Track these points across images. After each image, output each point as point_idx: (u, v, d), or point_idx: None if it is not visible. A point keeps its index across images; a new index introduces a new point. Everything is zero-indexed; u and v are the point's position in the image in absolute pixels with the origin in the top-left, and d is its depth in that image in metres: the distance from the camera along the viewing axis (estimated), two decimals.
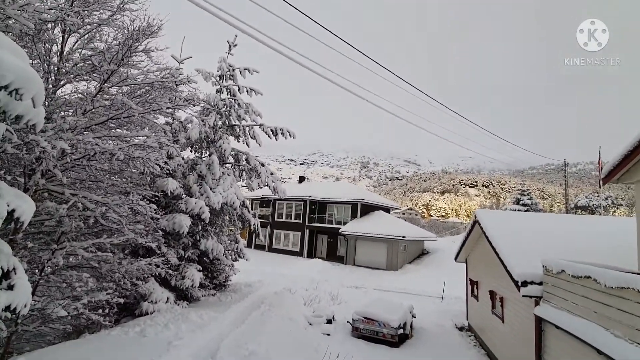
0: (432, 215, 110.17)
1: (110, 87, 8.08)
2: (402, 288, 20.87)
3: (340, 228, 29.84)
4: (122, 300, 8.67)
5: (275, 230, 34.74)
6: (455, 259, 15.10)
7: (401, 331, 11.21)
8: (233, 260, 15.08)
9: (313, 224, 32.49)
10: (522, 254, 7.76)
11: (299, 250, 32.73)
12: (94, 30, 7.49)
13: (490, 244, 9.20)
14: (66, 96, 7.92)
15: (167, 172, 11.25)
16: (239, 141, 14.64)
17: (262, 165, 14.59)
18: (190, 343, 7.95)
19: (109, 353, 7.15)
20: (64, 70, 7.32)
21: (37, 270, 7.05)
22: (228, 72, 14.14)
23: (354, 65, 10.41)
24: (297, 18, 8.75)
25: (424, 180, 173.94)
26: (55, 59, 7.24)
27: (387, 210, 36.07)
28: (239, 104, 14.20)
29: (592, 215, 43.67)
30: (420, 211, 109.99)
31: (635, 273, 4.87)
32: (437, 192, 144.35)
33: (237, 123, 14.38)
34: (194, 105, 11.65)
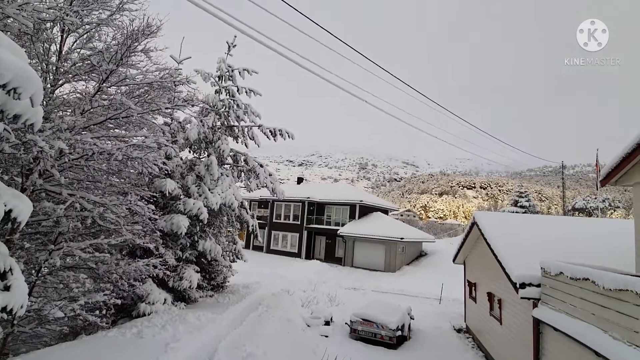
0: (430, 217, 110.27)
1: (109, 87, 8.06)
2: (400, 290, 20.87)
3: (338, 229, 29.83)
4: (119, 302, 8.63)
5: (273, 232, 34.69)
6: (454, 260, 15.11)
7: (399, 333, 11.20)
8: (231, 262, 15.05)
9: (311, 225, 32.46)
10: (520, 256, 7.77)
11: (297, 252, 32.69)
12: (93, 30, 7.47)
13: (489, 245, 9.21)
14: (64, 96, 7.88)
15: (166, 172, 11.21)
16: (237, 142, 14.62)
17: (261, 166, 14.58)
18: (188, 345, 7.91)
19: (106, 354, 7.10)
20: (62, 70, 7.30)
21: (33, 271, 7.00)
22: (227, 73, 14.13)
23: (353, 67, 10.42)
24: (296, 19, 8.75)
25: (422, 182, 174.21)
26: (53, 59, 7.21)
27: (385, 211, 36.09)
28: (237, 105, 14.19)
29: (590, 217, 43.84)
30: (418, 213, 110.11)
31: (633, 275, 4.88)
32: (435, 194, 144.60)
33: (236, 124, 14.37)
34: (192, 106, 11.64)
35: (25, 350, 7.45)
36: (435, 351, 11.21)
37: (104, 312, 8.35)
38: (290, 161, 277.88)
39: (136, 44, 7.62)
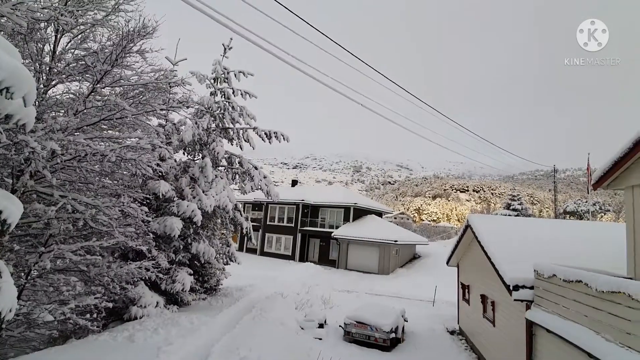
0: (423, 220, 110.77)
1: (103, 88, 7.99)
2: (394, 292, 20.89)
3: (332, 232, 29.82)
4: (110, 305, 8.52)
5: (267, 234, 34.55)
6: (447, 263, 15.17)
7: (393, 335, 11.21)
8: (224, 264, 14.96)
9: (305, 228, 32.40)
10: (513, 259, 7.83)
11: (291, 254, 32.58)
12: (88, 30, 7.41)
13: (483, 248, 9.27)
14: (57, 96, 7.80)
15: (159, 174, 11.13)
16: (232, 144, 14.58)
17: (256, 168, 14.54)
18: (180, 348, 7.82)
19: (97, 359, 6.99)
20: (55, 70, 7.22)
21: (23, 274, 6.89)
22: (223, 75, 14.10)
23: (348, 70, 10.46)
24: (290, 20, 8.77)
25: (416, 185, 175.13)
26: (47, 59, 7.14)
27: (379, 214, 36.17)
28: (233, 107, 14.16)
29: (580, 220, 44.39)
30: (412, 215, 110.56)
31: (625, 277, 4.95)
32: (429, 197, 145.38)
33: (231, 126, 14.33)
34: (187, 107, 11.58)
35: (13, 355, 7.29)
36: (428, 353, 11.23)
37: (94, 315, 8.23)
38: (285, 164, 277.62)
39: (131, 44, 7.57)
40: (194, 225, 12.17)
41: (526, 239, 9.55)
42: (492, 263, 8.24)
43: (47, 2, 6.44)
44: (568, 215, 49.16)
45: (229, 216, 14.01)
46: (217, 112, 13.96)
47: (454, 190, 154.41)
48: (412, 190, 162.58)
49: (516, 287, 6.90)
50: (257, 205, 35.97)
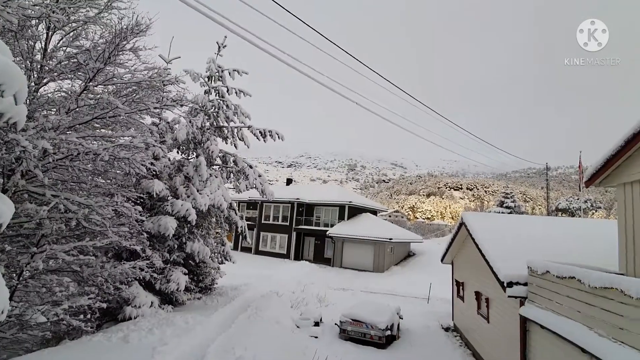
0: (417, 218, 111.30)
1: (96, 86, 7.89)
2: (389, 290, 21.00)
3: (327, 230, 29.86)
4: (104, 305, 8.44)
5: (262, 233, 34.49)
6: (442, 260, 15.28)
7: (388, 332, 11.27)
8: (219, 263, 14.90)
9: (300, 226, 32.40)
10: (507, 256, 7.90)
11: (286, 253, 32.58)
12: (80, 28, 7.31)
13: (477, 245, 9.34)
14: (49, 94, 7.69)
15: (153, 173, 11.04)
16: (227, 143, 14.51)
17: (250, 167, 14.49)
18: (176, 348, 7.77)
19: None
20: (47, 68, 7.12)
21: (15, 275, 6.79)
22: (217, 73, 14.02)
23: (344, 69, 10.45)
24: (286, 19, 8.74)
25: (410, 183, 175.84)
26: (38, 57, 7.03)
27: (374, 212, 36.29)
28: (227, 105, 14.08)
29: (572, 217, 44.94)
30: (406, 213, 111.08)
31: (617, 274, 5.02)
32: (423, 195, 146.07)
33: (226, 124, 14.25)
34: (181, 106, 11.50)
35: (6, 357, 7.20)
36: (424, 350, 11.31)
37: (88, 316, 8.14)
38: (280, 162, 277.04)
39: (124, 42, 7.48)
40: (189, 225, 12.10)
41: (519, 236, 9.65)
42: (486, 260, 8.31)
43: None
44: (560, 213, 49.77)
45: (224, 215, 13.95)
46: (212, 110, 13.88)
47: (447, 188, 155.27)
48: (406, 189, 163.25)
49: (510, 284, 6.97)
50: (251, 204, 35.88)
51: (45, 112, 7.37)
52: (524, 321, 6.85)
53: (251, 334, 9.30)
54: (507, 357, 7.93)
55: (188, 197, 11.86)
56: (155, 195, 10.80)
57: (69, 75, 7.48)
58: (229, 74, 14.17)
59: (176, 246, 12.02)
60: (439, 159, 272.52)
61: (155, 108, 9.49)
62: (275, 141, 14.41)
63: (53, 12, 6.12)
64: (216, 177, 13.19)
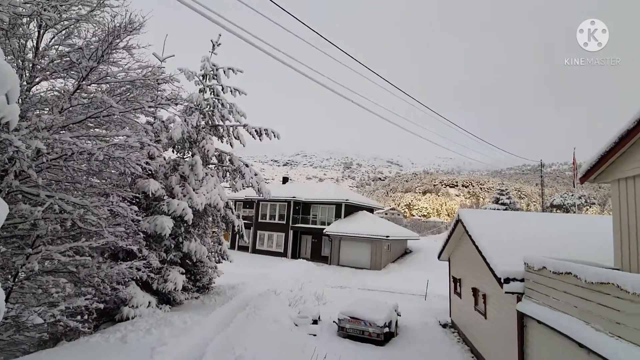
0: (414, 215, 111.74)
1: (89, 85, 7.81)
2: (386, 287, 21.07)
3: (324, 228, 29.88)
4: (101, 306, 8.38)
5: (259, 231, 34.44)
6: (439, 257, 15.35)
7: (387, 330, 11.31)
8: (216, 262, 14.85)
9: (297, 225, 32.39)
10: (504, 252, 7.95)
11: (283, 251, 32.57)
12: (72, 26, 7.21)
13: (473, 242, 9.39)
14: (42, 94, 7.60)
15: (149, 172, 10.97)
16: (222, 141, 14.43)
17: (246, 165, 14.43)
18: (174, 348, 7.74)
19: None
20: (39, 67, 7.03)
21: (10, 276, 6.71)
22: (211, 72, 13.92)
23: (340, 67, 10.43)
24: (281, 17, 8.69)
25: (406, 181, 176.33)
26: (30, 55, 6.94)
27: (371, 210, 36.36)
28: (222, 104, 14.00)
29: (567, 213, 45.34)
30: (402, 211, 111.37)
31: (613, 269, 5.07)
32: (419, 192, 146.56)
33: (221, 123, 14.18)
34: (176, 105, 11.41)
35: (3, 359, 7.15)
36: (422, 346, 11.37)
37: (85, 317, 8.09)
38: (275, 161, 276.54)
39: (118, 40, 7.40)
40: (185, 224, 12.05)
41: (514, 232, 9.71)
42: (483, 257, 8.35)
43: None
44: (555, 209, 50.19)
45: (221, 214, 13.89)
46: (207, 109, 13.79)
47: (443, 186, 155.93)
48: (402, 186, 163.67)
49: (507, 280, 7.02)
50: (248, 203, 35.80)
51: (38, 112, 7.28)
52: (521, 317, 6.90)
53: (250, 333, 9.28)
54: (504, 352, 7.99)
55: (184, 196, 11.79)
56: (151, 195, 10.74)
57: (62, 74, 7.39)
58: (224, 72, 14.08)
59: (173, 246, 11.97)
60: (434, 157, 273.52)
61: (149, 107, 9.42)
62: (271, 140, 14.36)
63: (44, 10, 6.04)
64: (212, 176, 13.12)
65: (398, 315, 13.22)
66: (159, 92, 10.58)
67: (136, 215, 8.65)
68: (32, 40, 6.95)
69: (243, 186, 14.29)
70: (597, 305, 4.51)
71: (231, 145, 14.45)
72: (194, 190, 12.10)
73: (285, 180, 41.98)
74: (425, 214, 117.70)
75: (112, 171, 8.34)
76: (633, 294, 3.81)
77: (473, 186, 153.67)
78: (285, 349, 9.17)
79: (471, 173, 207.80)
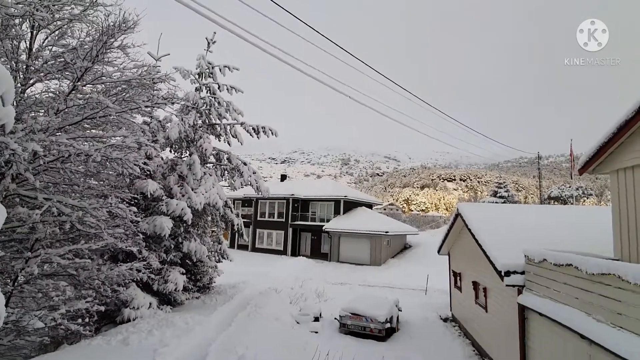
0: (412, 210, 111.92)
1: (85, 86, 7.73)
2: (387, 282, 21.12)
3: (323, 225, 29.89)
4: (102, 308, 8.36)
5: (258, 230, 34.43)
6: (438, 251, 15.37)
7: (388, 325, 11.34)
8: (217, 262, 14.85)
9: (296, 222, 32.40)
10: (504, 245, 7.96)
11: (282, 249, 32.58)
12: (65, 26, 7.12)
13: (473, 236, 9.40)
14: (37, 95, 7.53)
15: (147, 173, 10.92)
16: (220, 140, 14.38)
17: (245, 164, 14.39)
18: (176, 349, 7.74)
19: None
20: (33, 68, 6.95)
21: (9, 281, 6.68)
22: (207, 70, 13.84)
23: (338, 64, 10.37)
24: (277, 13, 8.62)
25: (404, 176, 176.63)
26: (23, 56, 6.86)
27: (369, 206, 36.39)
28: (219, 102, 13.93)
29: (565, 205, 45.56)
30: (401, 206, 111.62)
31: (613, 259, 5.08)
32: (417, 187, 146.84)
33: (218, 122, 14.12)
34: (172, 104, 11.34)
35: None
36: (423, 341, 11.41)
37: (86, 319, 8.07)
38: (273, 159, 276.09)
39: (112, 40, 7.33)
40: (185, 224, 12.02)
41: (513, 225, 9.72)
42: (483, 250, 8.37)
43: None
44: (553, 201, 50.40)
45: (220, 213, 13.86)
46: (203, 108, 13.72)
47: (441, 180, 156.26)
48: (400, 181, 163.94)
49: (508, 273, 7.03)
50: (247, 202, 35.76)
51: (33, 114, 7.22)
52: (522, 309, 6.93)
53: (251, 332, 9.29)
54: (506, 345, 8.03)
55: (183, 196, 11.76)
56: (149, 196, 10.70)
57: (56, 75, 7.31)
58: (220, 70, 14.01)
59: (172, 246, 11.94)
60: (431, 151, 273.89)
61: (146, 106, 9.34)
62: (269, 137, 14.32)
63: (37, 10, 5.96)
64: (210, 175, 13.08)
65: (399, 310, 13.26)
66: (155, 92, 10.49)
67: (135, 216, 8.61)
68: (25, 42, 6.88)
69: (242, 185, 14.26)
70: (598, 297, 4.52)
71: (229, 144, 14.40)
72: (192, 189, 12.07)
73: (283, 177, 41.97)
74: (424, 208, 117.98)
75: (110, 172, 8.28)
76: (634, 284, 3.82)
77: (471, 180, 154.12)
78: (287, 347, 9.18)
79: (469, 167, 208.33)
